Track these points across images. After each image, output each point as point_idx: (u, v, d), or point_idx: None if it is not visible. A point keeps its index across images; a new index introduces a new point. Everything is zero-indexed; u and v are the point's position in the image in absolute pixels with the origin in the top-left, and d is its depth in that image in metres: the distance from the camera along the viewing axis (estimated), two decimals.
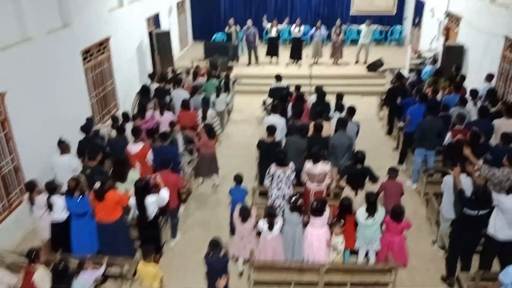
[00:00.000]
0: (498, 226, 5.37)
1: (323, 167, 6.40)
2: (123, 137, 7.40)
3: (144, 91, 9.74)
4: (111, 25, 10.02)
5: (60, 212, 5.76)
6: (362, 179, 6.34)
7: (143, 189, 5.66)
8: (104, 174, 6.03)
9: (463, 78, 9.69)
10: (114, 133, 7.84)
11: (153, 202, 5.73)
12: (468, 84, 10.26)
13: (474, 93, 8.74)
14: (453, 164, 6.03)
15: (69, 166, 6.56)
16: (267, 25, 14.53)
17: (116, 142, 7.32)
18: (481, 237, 5.66)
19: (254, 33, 14.34)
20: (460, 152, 6.60)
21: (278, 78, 10.13)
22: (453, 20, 12.29)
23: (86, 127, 7.33)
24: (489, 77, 9.31)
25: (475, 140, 6.73)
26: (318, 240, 5.65)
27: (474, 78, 10.29)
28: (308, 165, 6.44)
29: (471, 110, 8.21)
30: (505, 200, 5.27)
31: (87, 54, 8.96)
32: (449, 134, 7.49)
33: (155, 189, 5.89)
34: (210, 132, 7.81)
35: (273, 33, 14.39)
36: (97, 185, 5.51)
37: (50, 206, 5.70)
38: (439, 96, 9.09)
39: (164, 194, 5.82)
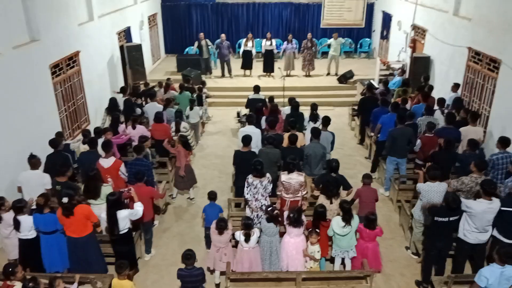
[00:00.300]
0: (467, 230, 5.53)
1: (298, 177, 6.43)
2: (94, 151, 7.24)
3: (112, 105, 9.62)
4: (81, 39, 9.89)
5: (28, 231, 5.56)
6: (337, 188, 6.42)
7: (115, 203, 5.53)
8: (75, 190, 5.87)
9: (431, 88, 10.02)
10: (83, 147, 7.67)
11: (125, 217, 5.61)
12: (435, 94, 10.62)
13: (441, 101, 9.06)
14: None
15: (39, 182, 6.36)
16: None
17: (88, 156, 7.15)
18: (452, 241, 5.80)
19: (227, 47, 14.47)
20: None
21: (257, 89, 10.19)
22: (419, 32, 12.74)
23: (55, 142, 7.15)
24: (455, 87, 9.67)
25: (449, 146, 6.96)
26: (295, 248, 5.66)
27: (441, 88, 10.65)
28: (283, 176, 6.47)
29: (439, 118, 8.50)
30: (474, 206, 5.41)
31: (56, 68, 8.79)
32: (418, 141, 7.71)
33: (130, 202, 5.78)
34: (186, 145, 7.74)
35: (248, 47, 14.58)
36: (65, 200, 5.36)
37: (16, 225, 5.49)
38: (408, 105, 9.37)
39: (138, 208, 5.72)
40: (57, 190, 6.21)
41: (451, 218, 5.45)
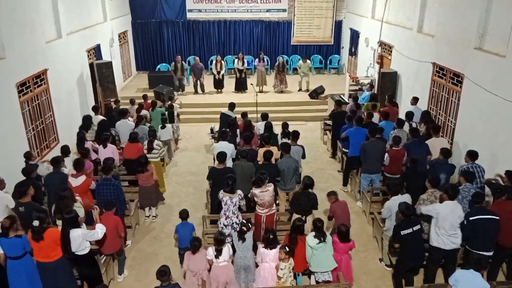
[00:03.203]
0: (439, 235, 5.67)
1: (269, 188, 6.47)
2: (58, 171, 7.00)
3: (86, 123, 9.45)
4: (49, 57, 9.69)
5: None
6: (310, 207, 6.48)
7: (69, 221, 5.31)
8: (42, 211, 5.63)
9: (395, 103, 10.36)
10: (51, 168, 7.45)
11: (79, 236, 5.33)
12: (402, 107, 10.96)
13: (409, 115, 9.30)
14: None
15: (1, 203, 6.10)
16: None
17: (52, 177, 6.92)
18: (424, 256, 5.90)
19: (201, 68, 14.65)
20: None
21: (231, 106, 10.21)
22: (385, 48, 13.17)
23: (27, 170, 6.80)
24: (414, 100, 10.00)
25: (414, 165, 7.11)
26: (270, 274, 5.63)
27: (408, 102, 10.96)
28: (256, 191, 6.48)
29: (407, 131, 8.73)
30: (440, 209, 5.64)
31: (23, 87, 8.57)
32: (386, 155, 7.89)
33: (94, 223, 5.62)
34: (141, 166, 7.62)
35: (217, 70, 14.84)
36: (36, 223, 5.15)
37: None
38: (376, 119, 9.60)
39: (98, 230, 5.50)
40: (20, 212, 5.97)
41: (414, 228, 5.57)
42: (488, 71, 7.74)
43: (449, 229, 5.63)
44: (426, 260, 6.01)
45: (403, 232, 5.56)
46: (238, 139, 8.88)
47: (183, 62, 15.13)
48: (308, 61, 15.35)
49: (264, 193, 6.42)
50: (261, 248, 5.68)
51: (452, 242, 5.69)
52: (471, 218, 5.62)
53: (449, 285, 4.90)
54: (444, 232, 5.63)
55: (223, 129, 8.75)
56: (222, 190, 6.35)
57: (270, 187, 6.52)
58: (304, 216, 6.29)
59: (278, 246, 5.63)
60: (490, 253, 5.75)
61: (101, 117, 9.81)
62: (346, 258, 5.85)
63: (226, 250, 5.56)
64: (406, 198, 6.25)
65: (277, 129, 9.18)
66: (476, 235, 5.64)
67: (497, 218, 5.59)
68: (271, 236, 5.58)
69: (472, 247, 5.76)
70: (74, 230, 5.33)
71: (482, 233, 5.62)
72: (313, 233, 5.70)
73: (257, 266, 5.84)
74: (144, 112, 10.63)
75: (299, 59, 15.67)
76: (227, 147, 7.82)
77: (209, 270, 5.68)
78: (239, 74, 14.93)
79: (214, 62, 15.11)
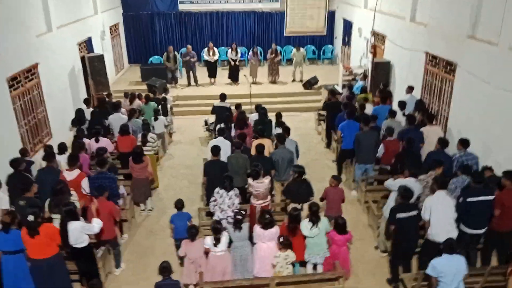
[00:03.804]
0: (429, 231, 5.73)
1: (264, 181, 6.51)
2: (51, 167, 6.95)
3: (79, 117, 9.39)
4: (40, 51, 9.58)
5: None
6: (306, 195, 6.52)
7: (68, 213, 5.32)
8: (40, 207, 5.61)
9: (389, 93, 10.39)
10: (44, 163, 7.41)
11: (76, 229, 5.34)
12: (396, 97, 10.98)
13: (402, 104, 9.36)
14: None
15: None
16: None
17: (45, 173, 6.88)
18: (417, 242, 5.96)
19: (193, 56, 14.48)
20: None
21: (223, 97, 10.19)
22: (379, 38, 13.15)
23: (15, 162, 6.74)
24: (410, 89, 10.06)
25: (410, 145, 7.22)
26: (269, 253, 5.68)
27: (402, 91, 10.98)
28: (252, 182, 6.50)
29: (402, 121, 8.78)
30: (432, 200, 5.68)
31: (14, 81, 8.47)
32: (381, 146, 7.92)
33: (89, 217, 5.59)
34: (137, 157, 7.60)
35: (210, 57, 14.72)
36: (31, 218, 5.11)
37: None
38: (370, 109, 9.61)
39: (95, 224, 5.50)
40: (20, 205, 5.93)
41: (410, 213, 5.62)
42: (481, 60, 7.77)
43: (444, 222, 5.65)
44: (421, 249, 6.07)
45: (398, 215, 5.61)
46: (233, 132, 8.84)
47: (175, 52, 14.99)
48: (301, 49, 15.29)
49: (259, 184, 6.45)
50: (257, 229, 5.72)
51: (447, 233, 5.71)
52: (468, 200, 5.70)
53: (433, 278, 4.96)
54: (439, 225, 5.65)
55: (219, 126, 8.71)
56: (218, 187, 6.36)
57: (266, 180, 6.55)
58: (300, 204, 6.31)
59: (276, 226, 5.68)
60: (482, 231, 5.88)
61: (92, 110, 9.72)
62: (344, 250, 5.89)
63: (224, 239, 5.59)
64: (417, 185, 6.26)
65: (272, 119, 9.16)
66: (471, 214, 5.74)
67: (492, 198, 5.71)
68: (267, 216, 5.62)
69: (466, 225, 5.85)
70: (73, 222, 5.32)
71: (476, 213, 5.73)
72: (307, 219, 5.76)
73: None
74: (137, 102, 10.57)
75: (293, 49, 15.59)
76: (223, 144, 7.79)
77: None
78: (233, 62, 14.83)
79: (206, 49, 14.98)
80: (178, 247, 6.21)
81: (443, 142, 7.21)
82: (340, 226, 5.79)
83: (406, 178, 6.26)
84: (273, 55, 14.79)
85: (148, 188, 8.00)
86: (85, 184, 6.68)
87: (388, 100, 10.18)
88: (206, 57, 14.88)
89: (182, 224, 6.29)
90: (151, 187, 8.27)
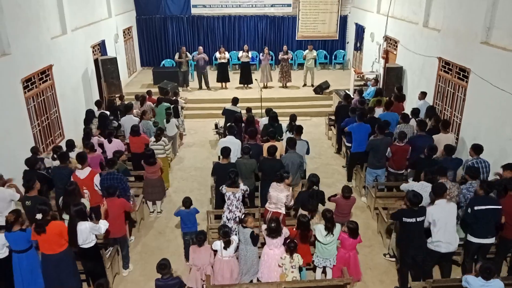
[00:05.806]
0: (430, 240, 5.66)
1: (287, 192, 6.36)
2: (65, 166, 7.05)
3: (89, 117, 9.50)
4: (54, 53, 9.73)
5: (1, 249, 5.36)
6: (317, 204, 6.45)
7: (78, 214, 5.36)
8: (47, 205, 5.67)
9: (403, 97, 10.28)
10: (55, 163, 7.50)
11: (85, 230, 5.39)
12: (408, 102, 10.88)
13: (415, 111, 9.21)
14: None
15: (3, 198, 6.16)
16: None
17: (59, 171, 6.96)
18: (424, 248, 5.82)
19: (204, 58, 14.53)
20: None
21: (235, 101, 10.19)
22: (391, 43, 13.07)
23: (30, 161, 6.89)
24: (423, 95, 9.94)
25: (431, 153, 7.13)
26: (275, 260, 5.64)
27: (414, 96, 10.89)
28: (274, 184, 6.41)
29: (414, 126, 8.65)
30: (434, 210, 5.58)
31: (28, 82, 8.61)
32: (389, 150, 7.84)
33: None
34: (149, 158, 7.64)
35: (222, 59, 14.67)
36: (39, 216, 5.18)
37: None
38: (377, 114, 9.51)
39: (101, 226, 5.54)
40: (27, 206, 6.01)
41: (418, 219, 5.53)
42: (495, 66, 7.66)
43: (446, 231, 5.57)
44: (423, 259, 5.91)
45: (405, 219, 5.54)
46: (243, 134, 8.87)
47: (187, 53, 15.05)
48: (314, 50, 15.20)
49: (280, 192, 6.35)
50: (265, 235, 5.70)
51: (449, 245, 5.65)
52: (476, 208, 5.60)
53: None
54: (441, 235, 5.58)
55: (230, 124, 8.73)
56: (224, 185, 6.36)
57: (285, 191, 6.34)
58: (310, 214, 6.26)
59: (282, 235, 5.64)
60: (491, 240, 5.76)
61: (101, 112, 9.82)
62: (354, 254, 5.87)
63: (234, 243, 5.59)
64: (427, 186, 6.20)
65: (282, 123, 9.15)
66: (478, 223, 5.64)
67: (500, 207, 5.60)
68: (273, 225, 5.56)
69: (473, 234, 5.75)
70: (82, 222, 5.38)
71: (484, 222, 5.62)
72: (323, 225, 5.71)
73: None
74: (148, 103, 10.64)
75: (306, 50, 15.49)
76: (233, 142, 7.81)
77: (212, 266, 5.71)
78: (244, 66, 14.82)
79: (217, 52, 15.00)
80: (186, 245, 6.29)
81: (449, 150, 7.08)
82: (352, 230, 5.75)
83: (421, 182, 6.16)
84: (285, 55, 14.73)
85: (161, 190, 8.01)
86: (97, 180, 6.76)
87: (401, 106, 10.08)
88: (217, 55, 14.85)
89: (190, 215, 6.39)
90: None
